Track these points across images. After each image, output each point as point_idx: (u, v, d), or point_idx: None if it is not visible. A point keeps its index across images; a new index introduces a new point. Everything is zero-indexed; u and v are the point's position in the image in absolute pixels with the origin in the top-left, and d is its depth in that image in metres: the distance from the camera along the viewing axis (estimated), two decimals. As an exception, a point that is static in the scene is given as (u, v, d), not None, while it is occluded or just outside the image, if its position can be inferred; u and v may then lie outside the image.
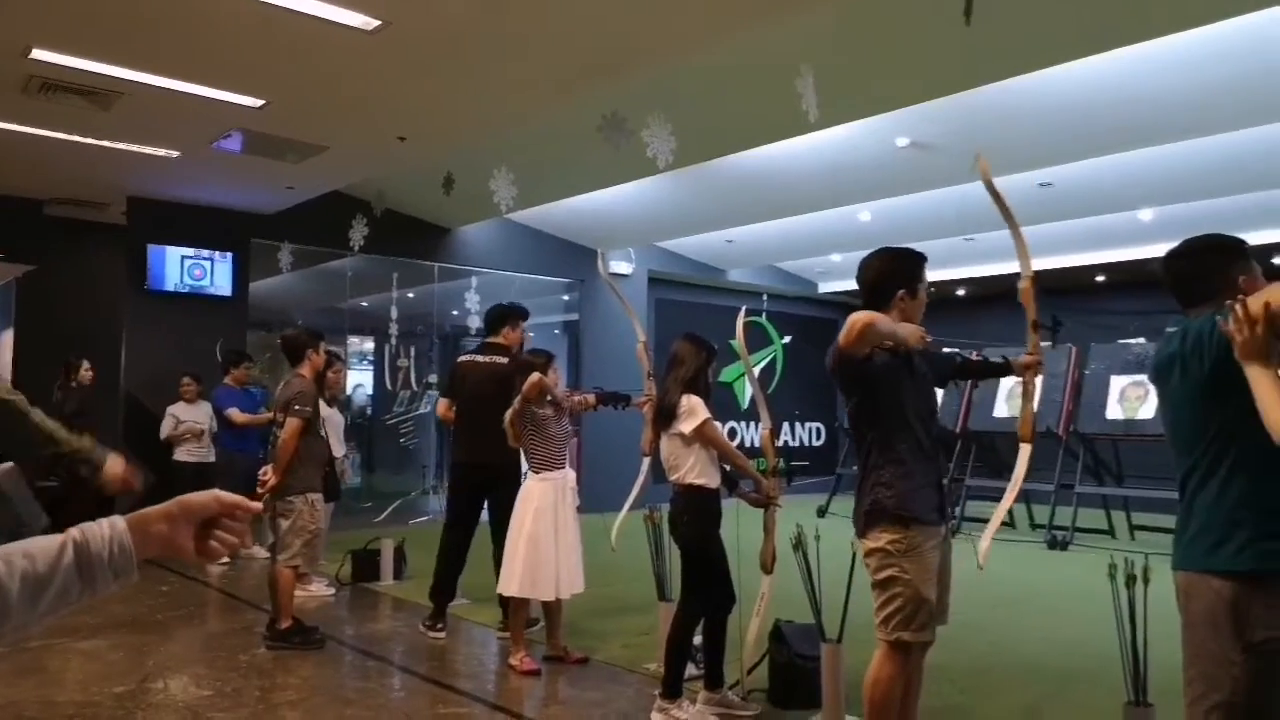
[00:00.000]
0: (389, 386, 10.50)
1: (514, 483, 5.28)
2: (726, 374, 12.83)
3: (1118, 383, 9.25)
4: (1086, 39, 5.33)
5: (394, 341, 10.39)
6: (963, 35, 4.60)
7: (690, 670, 4.29)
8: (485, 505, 5.58)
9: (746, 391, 13.48)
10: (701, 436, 3.96)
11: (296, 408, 5.12)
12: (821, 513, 10.50)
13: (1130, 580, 3.13)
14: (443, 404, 5.76)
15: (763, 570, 4.16)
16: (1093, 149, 7.44)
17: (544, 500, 4.72)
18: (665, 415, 4.07)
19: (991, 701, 4.24)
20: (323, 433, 5.56)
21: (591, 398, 5.25)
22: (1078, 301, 12.43)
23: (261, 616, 5.47)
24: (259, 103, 6.12)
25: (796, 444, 14.15)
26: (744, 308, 4.74)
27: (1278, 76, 5.77)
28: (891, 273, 3.20)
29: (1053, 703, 4.24)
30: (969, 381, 10.57)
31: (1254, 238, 9.09)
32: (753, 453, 13.08)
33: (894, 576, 3.00)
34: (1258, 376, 2.11)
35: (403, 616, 5.96)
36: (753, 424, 13.75)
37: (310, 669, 4.74)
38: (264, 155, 7.30)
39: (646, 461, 5.16)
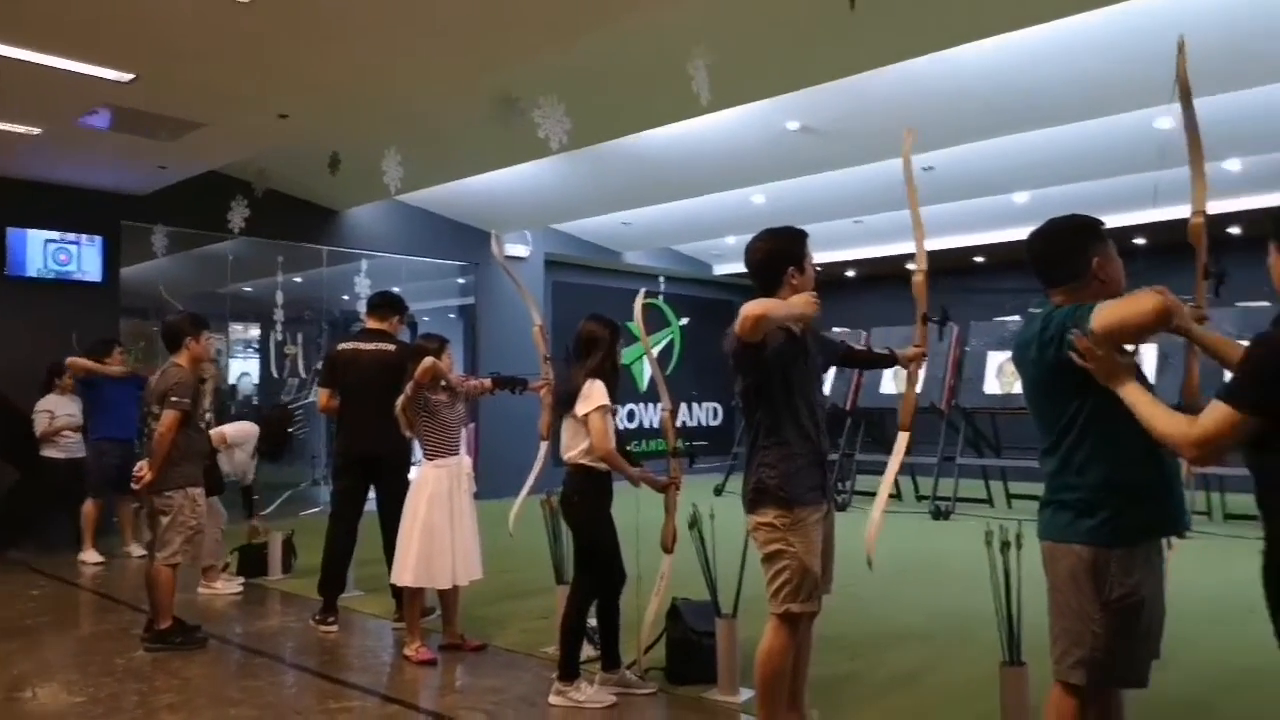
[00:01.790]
0: (275, 374, 10.14)
1: (402, 471, 5.19)
2: (625, 355, 12.85)
3: (995, 358, 9.67)
4: (968, 25, 5.51)
5: (280, 328, 10.03)
6: (848, 20, 4.71)
7: (589, 652, 4.33)
8: (373, 494, 5.46)
9: (645, 373, 13.55)
10: (586, 421, 3.94)
11: (174, 399, 4.88)
12: (718, 491, 10.66)
13: (1004, 546, 3.28)
14: (323, 394, 5.56)
15: (663, 550, 4.20)
16: (972, 133, 7.71)
17: (438, 487, 4.65)
18: (568, 400, 4.04)
19: (878, 668, 4.39)
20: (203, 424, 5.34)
21: (488, 382, 5.19)
22: (957, 281, 12.93)
23: (139, 618, 5.22)
24: (128, 77, 5.78)
25: (695, 424, 14.32)
26: (642, 290, 4.76)
27: (1141, 65, 6.08)
28: (779, 252, 3.26)
29: (936, 665, 4.42)
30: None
31: (1119, 219, 9.63)
32: (654, 433, 13.17)
33: (780, 550, 3.09)
34: (1127, 395, 2.24)
35: (293, 611, 5.78)
36: (651, 405, 13.84)
37: (193, 670, 4.56)
38: (134, 133, 6.90)
39: (544, 446, 5.14)
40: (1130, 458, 2.37)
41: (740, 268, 15.02)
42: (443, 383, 4.66)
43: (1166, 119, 6.48)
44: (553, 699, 3.89)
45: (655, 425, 13.89)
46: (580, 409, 3.94)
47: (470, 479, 4.85)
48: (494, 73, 5.59)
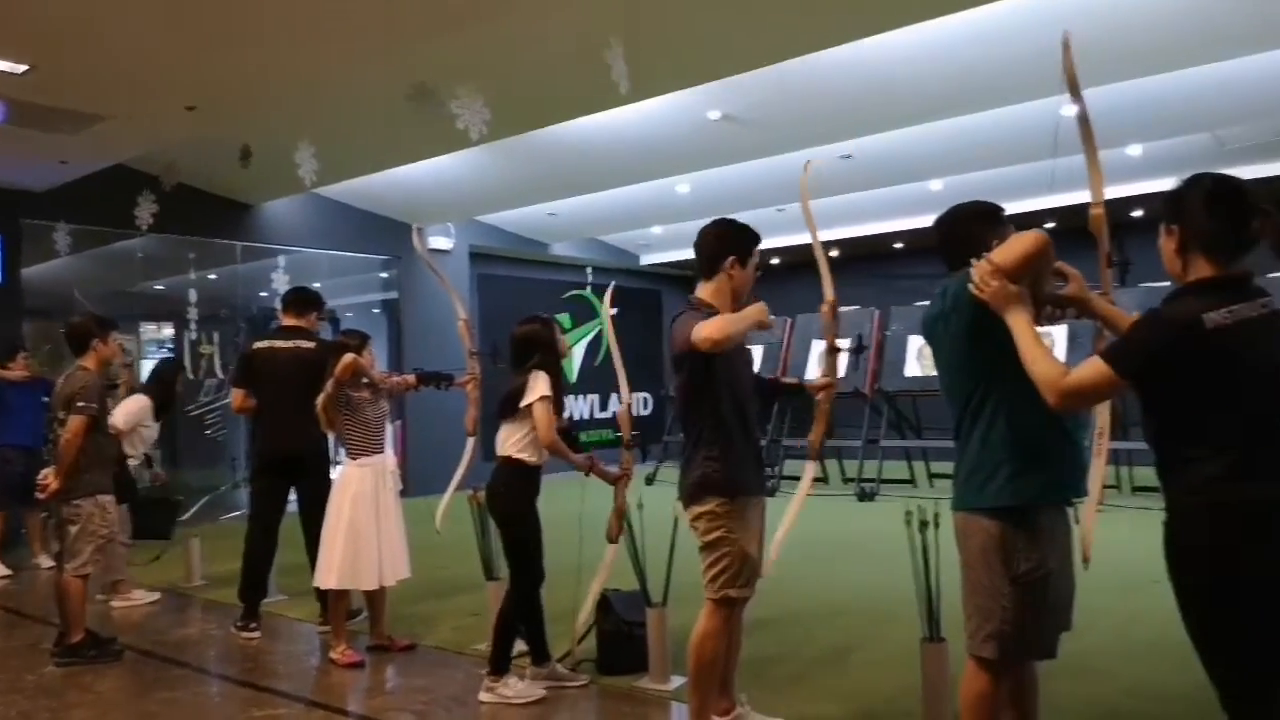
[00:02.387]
0: (191, 375, 9.82)
1: (323, 471, 5.08)
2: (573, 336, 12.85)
3: (915, 342, 9.89)
4: (883, 15, 5.60)
5: (194, 327, 9.71)
6: (767, 9, 4.75)
7: (518, 647, 4.31)
8: (294, 496, 5.34)
9: (574, 366, 13.53)
10: (530, 412, 3.91)
11: (80, 404, 4.68)
12: (650, 480, 10.72)
13: (923, 526, 3.36)
14: (238, 395, 5.40)
15: (608, 540, 4.20)
16: (889, 121, 7.86)
17: (363, 486, 4.57)
18: (511, 403, 3.98)
19: (806, 648, 4.47)
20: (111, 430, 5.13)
21: (412, 378, 5.11)
22: (878, 267, 13.21)
23: (50, 632, 5.01)
24: (21, 68, 5.52)
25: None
26: (612, 284, 4.75)
27: (1048, 56, 6.27)
28: (726, 240, 3.32)
29: (861, 644, 4.52)
30: (784, 345, 11.04)
31: (1031, 204, 9.93)
32: (586, 425, 13.12)
33: (722, 537, 3.14)
34: (1014, 324, 2.32)
35: (213, 619, 5.62)
36: (581, 398, 13.82)
37: (108, 684, 4.40)
38: (31, 127, 6.60)
39: (471, 441, 5.09)
40: (1034, 424, 2.46)
41: (667, 256, 15.15)
42: (365, 379, 4.57)
43: (1071, 107, 6.70)
44: (482, 695, 3.87)
45: (585, 417, 13.89)
46: (527, 399, 3.90)
47: (395, 477, 4.77)
48: (407, 60, 5.48)
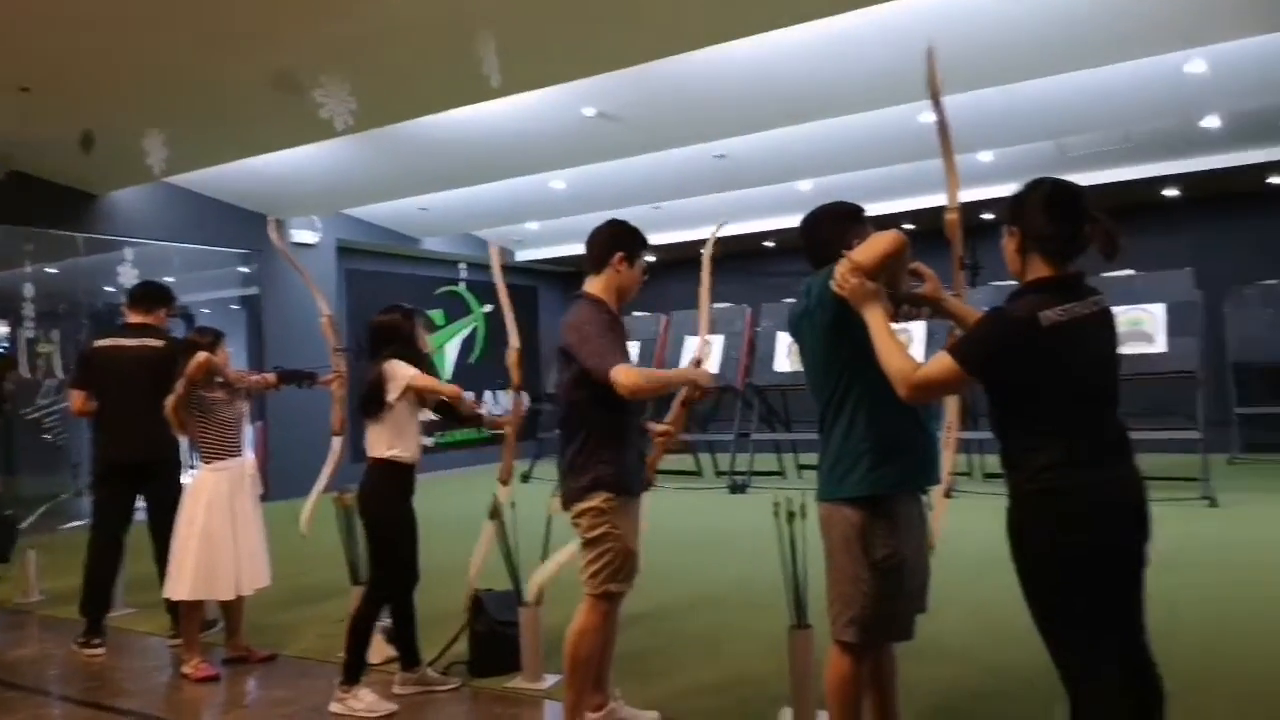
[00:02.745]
0: (29, 374, 9.13)
1: (173, 476, 4.82)
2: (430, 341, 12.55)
3: (784, 338, 10.15)
4: (755, 17, 5.69)
5: (31, 324, 9.02)
6: (639, 8, 4.76)
7: (388, 652, 4.20)
8: (141, 502, 5.03)
9: (448, 363, 13.29)
10: (416, 392, 3.80)
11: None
12: (525, 478, 10.64)
13: (791, 516, 3.45)
14: (77, 396, 5.06)
15: (500, 482, 4.29)
16: (760, 123, 8.02)
17: (217, 491, 4.35)
18: (371, 398, 3.84)
19: (678, 640, 4.52)
20: None
21: (272, 377, 4.89)
22: (751, 265, 13.51)
23: None
24: None
25: (500, 412, 14.17)
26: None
27: (909, 65, 6.53)
28: (617, 237, 3.34)
29: (732, 633, 4.60)
30: (659, 342, 11.15)
31: (891, 205, 10.35)
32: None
33: (607, 533, 3.14)
34: (870, 320, 2.41)
35: (52, 637, 5.24)
36: (455, 395, 13.55)
37: (-70, 711, 4.04)
38: None
39: (338, 441, 4.91)
40: (892, 418, 2.57)
41: (542, 253, 15.05)
42: (219, 379, 4.35)
43: (929, 115, 7.02)
44: (332, 705, 3.73)
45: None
46: (392, 393, 3.77)
47: (254, 480, 4.57)
48: (268, 46, 5.24)
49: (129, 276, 9.36)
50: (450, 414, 4.23)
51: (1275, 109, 8.22)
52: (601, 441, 3.17)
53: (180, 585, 4.28)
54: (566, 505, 3.23)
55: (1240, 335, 10.02)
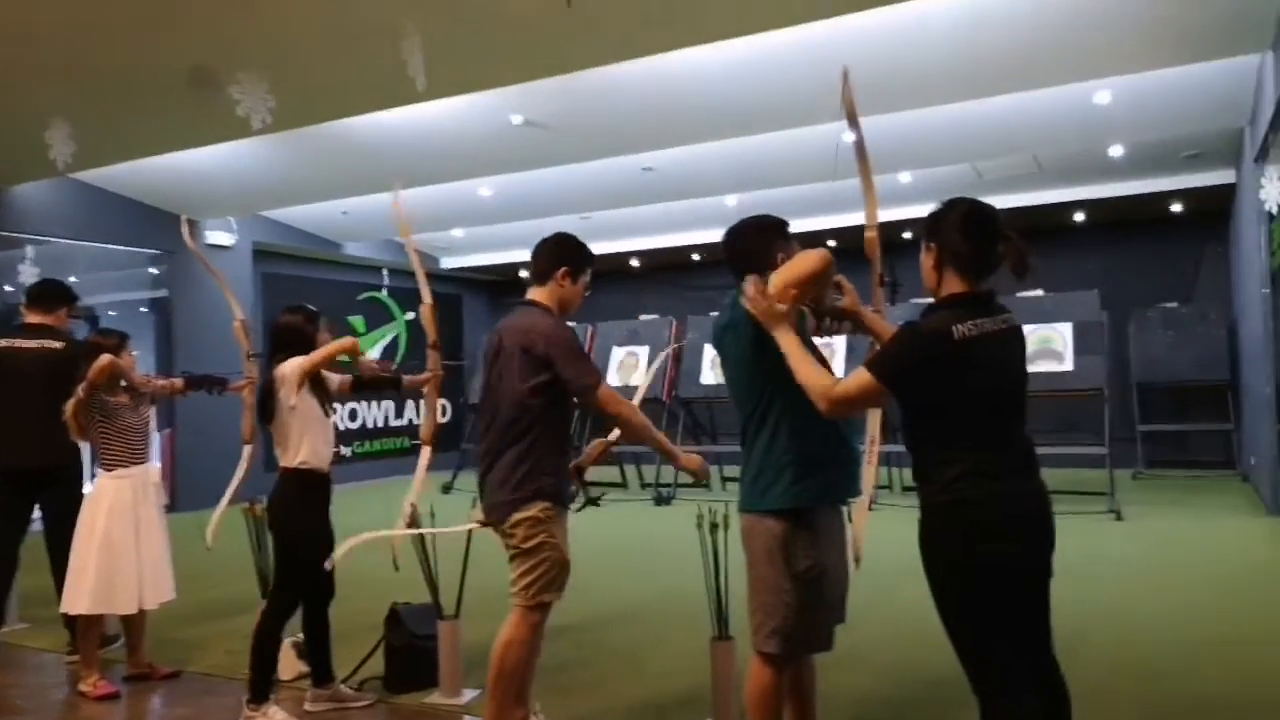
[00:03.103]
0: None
1: (72, 483, 4.60)
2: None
3: (710, 351, 10.23)
4: (685, 30, 5.72)
5: (-81, 324, 8.53)
6: (566, 17, 4.74)
7: (301, 668, 4.08)
8: (37, 512, 4.79)
9: (368, 370, 12.99)
10: (303, 375, 3.63)
11: None
12: (447, 489, 10.47)
13: (713, 527, 3.45)
14: None
15: (423, 442, 4.24)
16: (688, 136, 8.08)
17: (119, 500, 4.17)
18: (266, 400, 3.72)
19: (601, 652, 4.48)
20: None
21: (179, 382, 4.72)
22: (678, 278, 13.61)
23: None
24: None
25: (420, 422, 13.96)
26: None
27: (831, 85, 6.67)
28: (562, 250, 3.33)
29: (655, 644, 4.59)
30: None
31: (815, 223, 10.54)
32: (376, 433, 12.61)
33: (544, 542, 3.10)
34: (781, 340, 2.45)
35: (-64, 654, 4.94)
36: (375, 404, 13.31)
37: None
38: None
39: (248, 450, 4.76)
40: (815, 431, 2.61)
41: (469, 260, 14.87)
42: (123, 383, 4.17)
43: (850, 134, 7.18)
44: (240, 724, 3.60)
45: (380, 425, 13.39)
46: (288, 394, 3.64)
47: (159, 489, 4.38)
48: (183, 39, 5.05)
49: (29, 275, 8.94)
50: (370, 388, 4.18)
51: (1176, 140, 8.65)
52: (547, 451, 3.14)
53: (79, 598, 4.08)
54: (500, 516, 3.14)
55: (1143, 356, 10.47)
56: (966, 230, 2.32)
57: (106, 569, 4.10)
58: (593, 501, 3.41)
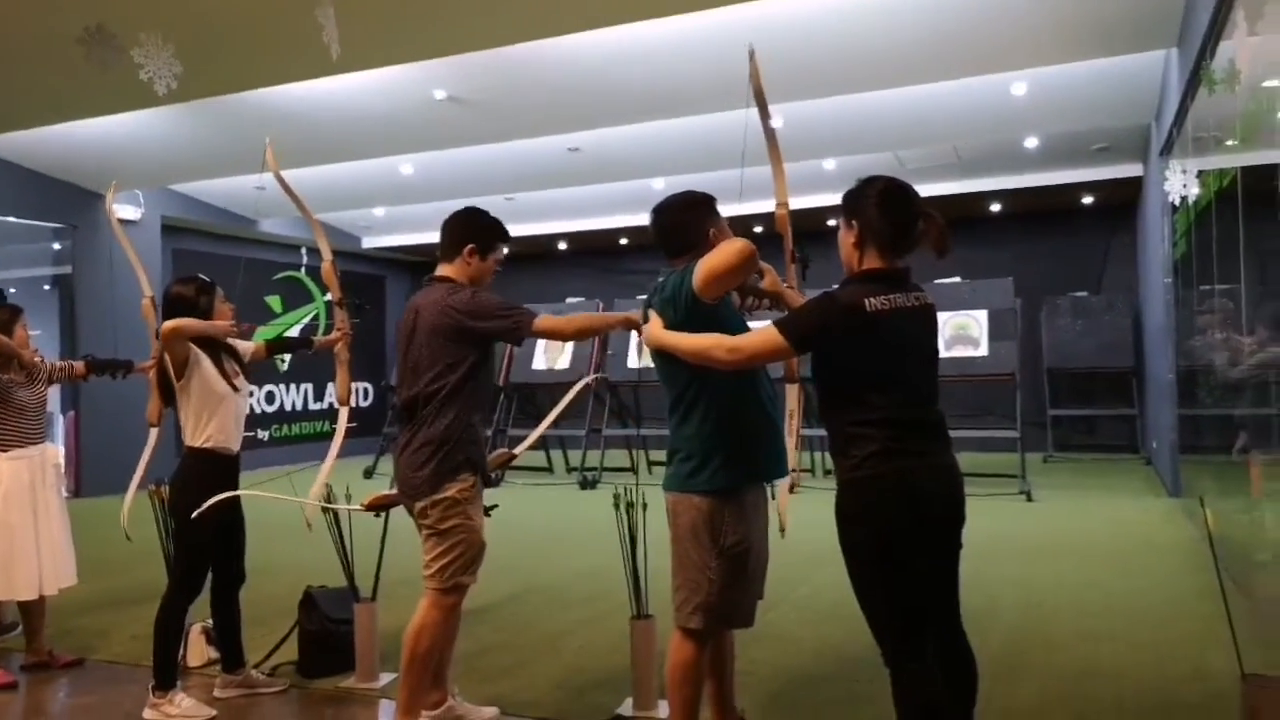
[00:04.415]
0: None
1: None
2: (261, 334, 11.92)
3: (636, 335, 10.25)
4: (607, 8, 5.68)
5: None
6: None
7: (210, 654, 3.97)
8: None
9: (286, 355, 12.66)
10: (167, 333, 3.45)
11: None
12: (369, 474, 10.28)
13: (629, 507, 3.45)
14: None
15: (339, 402, 4.26)
16: (615, 117, 8.03)
17: (16, 482, 3.99)
18: (162, 379, 3.58)
19: (522, 635, 4.45)
20: None
21: (80, 366, 4.50)
22: (605, 261, 13.56)
23: None
24: None
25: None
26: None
27: (740, 66, 6.71)
28: (468, 227, 3.24)
29: (577, 626, 4.58)
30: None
31: (740, 208, 10.60)
32: (296, 416, 12.30)
33: (459, 524, 3.04)
34: (672, 344, 2.50)
35: None
36: (294, 387, 12.99)
37: None
38: None
39: (155, 432, 4.56)
40: (739, 410, 2.63)
41: (390, 240, 14.57)
42: (16, 361, 3.97)
43: (779, 118, 7.22)
44: (146, 713, 3.47)
45: (299, 408, 13.08)
46: (175, 368, 3.50)
47: (58, 471, 4.20)
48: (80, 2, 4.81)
49: (-82, 248, 8.46)
50: (283, 350, 4.33)
51: (1087, 133, 8.94)
52: (466, 426, 3.08)
53: None
54: (417, 495, 3.06)
55: (1053, 342, 10.84)
56: (884, 206, 2.34)
57: (4, 553, 3.93)
58: (490, 483, 3.33)
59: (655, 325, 2.56)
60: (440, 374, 3.05)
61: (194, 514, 3.37)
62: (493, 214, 3.30)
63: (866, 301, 2.25)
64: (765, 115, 3.11)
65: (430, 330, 3.07)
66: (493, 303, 3.07)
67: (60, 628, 4.42)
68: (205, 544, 3.55)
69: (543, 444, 11.12)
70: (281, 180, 4.16)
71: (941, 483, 2.32)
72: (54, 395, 4.27)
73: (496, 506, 3.42)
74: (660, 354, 2.73)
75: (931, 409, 2.36)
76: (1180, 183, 6.29)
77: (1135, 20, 6.03)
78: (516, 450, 3.38)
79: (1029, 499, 7.90)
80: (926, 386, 2.36)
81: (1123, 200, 10.89)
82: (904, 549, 2.25)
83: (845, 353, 2.28)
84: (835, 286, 2.39)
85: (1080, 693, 3.52)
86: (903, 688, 2.25)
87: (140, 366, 4.61)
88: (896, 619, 2.27)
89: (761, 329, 2.35)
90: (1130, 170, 9.97)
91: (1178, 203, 6.61)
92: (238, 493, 3.56)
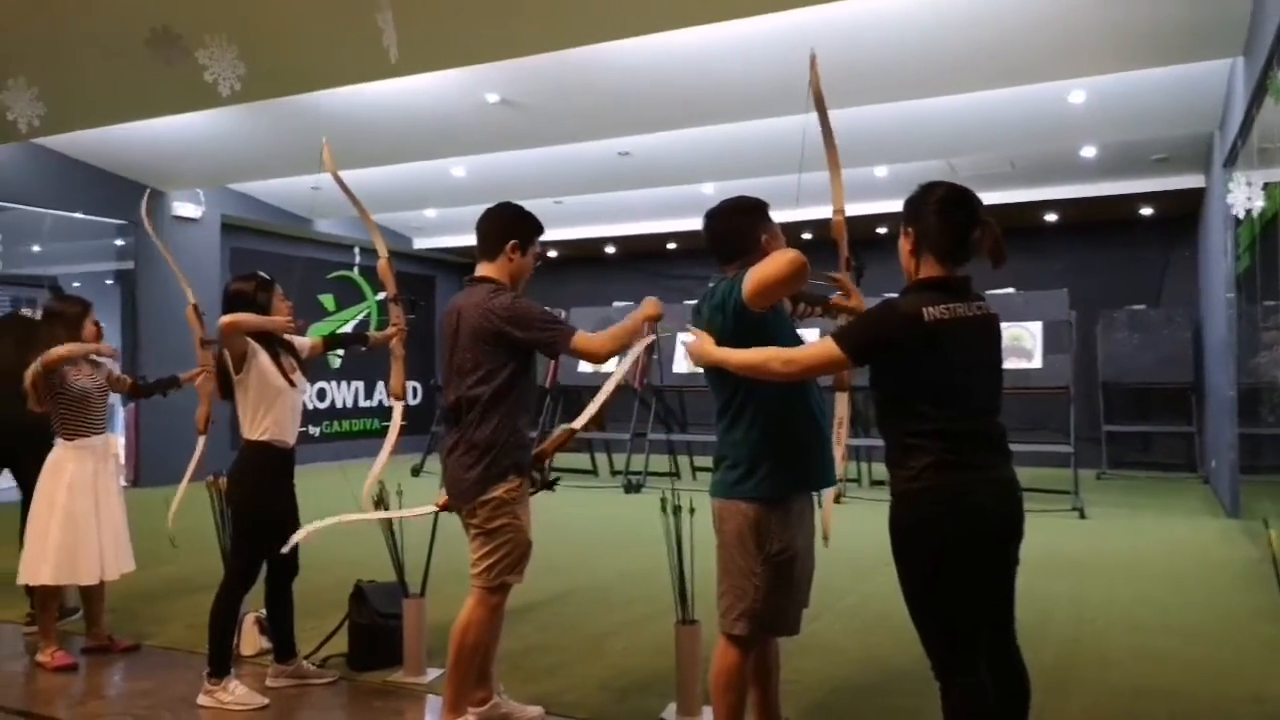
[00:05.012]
0: None
1: (40, 451, 4.48)
2: (313, 331, 12.14)
3: (683, 339, 10.24)
4: (665, 13, 5.69)
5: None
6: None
7: (263, 644, 4.05)
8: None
9: (337, 351, 12.89)
10: (238, 331, 3.53)
11: None
12: (416, 471, 10.41)
13: (677, 511, 3.45)
14: None
15: (394, 397, 4.22)
16: (666, 122, 8.04)
17: (81, 470, 4.11)
18: (222, 375, 3.67)
19: (567, 636, 4.47)
20: None
21: (129, 381, 4.58)
22: (651, 266, 13.59)
23: None
24: None
25: (390, 404, 13.86)
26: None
27: (804, 73, 6.67)
28: (508, 222, 3.24)
29: (620, 628, 4.59)
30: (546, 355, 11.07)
31: (792, 215, 10.54)
32: (346, 413, 12.50)
33: (506, 524, 3.07)
34: (730, 361, 2.48)
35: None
36: (345, 384, 13.20)
37: None
38: None
39: (202, 440, 4.60)
40: (788, 418, 2.62)
41: (441, 241, 14.77)
42: (93, 357, 4.11)
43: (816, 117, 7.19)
44: (201, 699, 3.56)
45: (349, 405, 13.29)
46: (234, 364, 3.58)
47: (118, 461, 4.31)
48: (149, 5, 4.94)
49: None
50: (339, 345, 4.13)
51: (1146, 143, 8.75)
52: (512, 429, 3.10)
53: (40, 569, 4.01)
54: (466, 498, 3.09)
55: (1109, 356, 10.61)
56: (943, 213, 2.32)
57: (69, 540, 4.04)
58: (547, 486, 3.36)
59: (706, 342, 2.55)
60: (482, 379, 3.07)
61: (285, 550, 3.45)
62: (537, 215, 3.30)
63: (925, 311, 2.22)
64: (825, 120, 3.09)
65: (472, 333, 3.09)
66: (534, 313, 3.07)
67: (122, 613, 4.54)
68: (262, 536, 3.63)
69: (588, 447, 11.17)
70: (339, 179, 4.24)
71: (1000, 498, 2.27)
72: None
73: (559, 480, 3.44)
74: None
75: (992, 421, 2.31)
76: (1244, 195, 6.13)
77: (1198, 29, 5.90)
78: (576, 424, 3.36)
79: (1082, 515, 7.74)
80: (987, 398, 2.32)
81: (1183, 212, 10.63)
82: (959, 563, 2.21)
83: (903, 363, 2.26)
84: (894, 295, 2.37)
85: (1133, 710, 3.45)
86: (953, 702, 2.22)
87: (185, 377, 4.62)
88: (949, 633, 2.23)
89: (819, 341, 2.33)
90: (1191, 181, 9.73)
91: (1241, 215, 6.45)
92: (355, 518, 3.53)
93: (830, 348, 2.28)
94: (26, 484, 4.59)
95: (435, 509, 3.38)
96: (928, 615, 2.26)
